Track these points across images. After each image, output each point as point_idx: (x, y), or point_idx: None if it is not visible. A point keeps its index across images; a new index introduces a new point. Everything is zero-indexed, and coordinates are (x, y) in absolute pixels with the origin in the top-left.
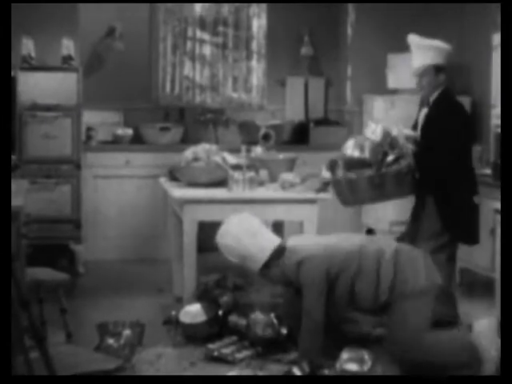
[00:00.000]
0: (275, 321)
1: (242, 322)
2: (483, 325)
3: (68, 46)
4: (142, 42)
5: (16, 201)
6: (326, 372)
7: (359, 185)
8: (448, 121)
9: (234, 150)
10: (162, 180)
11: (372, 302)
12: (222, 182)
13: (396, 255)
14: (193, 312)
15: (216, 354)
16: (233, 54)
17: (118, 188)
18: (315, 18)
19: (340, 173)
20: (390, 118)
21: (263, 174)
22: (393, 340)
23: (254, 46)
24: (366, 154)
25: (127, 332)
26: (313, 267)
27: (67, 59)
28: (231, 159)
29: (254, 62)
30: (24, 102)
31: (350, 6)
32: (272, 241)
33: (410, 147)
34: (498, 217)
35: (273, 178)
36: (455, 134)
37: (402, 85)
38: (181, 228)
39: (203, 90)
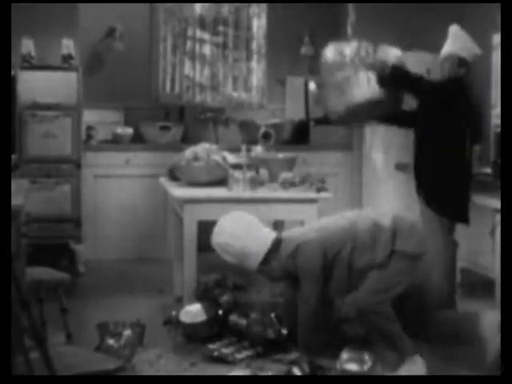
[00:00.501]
0: (275, 321)
1: (242, 321)
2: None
3: (68, 46)
4: (142, 42)
5: (16, 200)
6: (326, 372)
7: None
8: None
9: (234, 150)
10: (162, 179)
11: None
12: (222, 182)
13: (395, 223)
14: (193, 312)
15: (216, 354)
16: (233, 54)
17: (118, 187)
18: (315, 18)
19: None
20: None
21: (263, 173)
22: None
23: (254, 45)
24: None
25: (127, 332)
26: (309, 252)
27: (67, 58)
28: (231, 158)
29: (253, 62)
30: (24, 102)
31: (350, 6)
32: (268, 235)
33: None
34: (498, 216)
35: (273, 178)
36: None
37: None
38: (181, 227)
39: (203, 89)
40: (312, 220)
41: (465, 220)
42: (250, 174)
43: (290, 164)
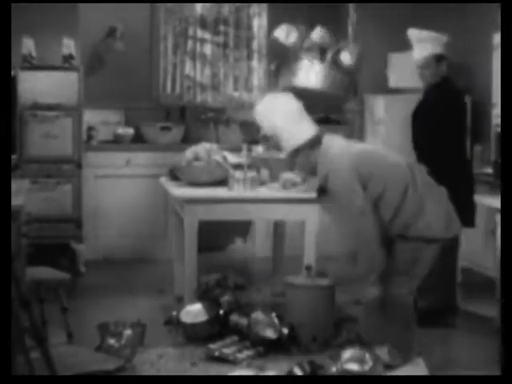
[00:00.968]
0: (276, 320)
1: (243, 321)
2: None
3: (69, 46)
4: (143, 42)
5: (17, 200)
6: (327, 372)
7: None
8: (441, 108)
9: (235, 150)
10: (163, 179)
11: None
12: (222, 182)
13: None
14: (194, 312)
15: (217, 354)
16: (234, 54)
17: (118, 187)
18: (316, 18)
19: None
20: (391, 117)
21: (264, 173)
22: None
23: (255, 45)
24: None
25: (128, 332)
26: (343, 168)
27: (68, 58)
28: (232, 158)
29: (254, 62)
30: (25, 102)
31: (351, 6)
32: (312, 128)
33: None
34: (499, 216)
35: (274, 178)
36: (447, 122)
37: (403, 84)
38: (182, 227)
39: (204, 89)
40: (313, 220)
41: (471, 225)
42: (250, 174)
43: (290, 164)
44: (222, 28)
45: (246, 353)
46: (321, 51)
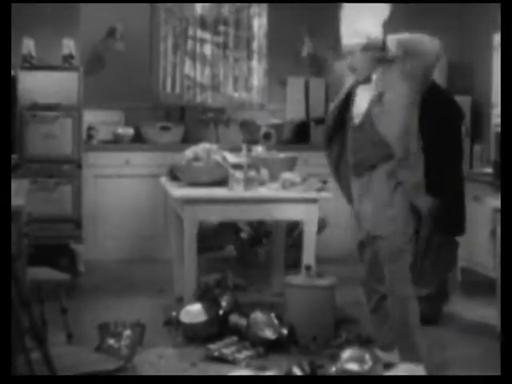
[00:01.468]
0: (276, 321)
1: (243, 321)
2: None
3: (69, 46)
4: (143, 42)
5: (17, 200)
6: (327, 372)
7: None
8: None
9: (235, 150)
10: (163, 179)
11: None
12: (222, 182)
13: None
14: (193, 312)
15: (216, 354)
16: (233, 54)
17: (118, 187)
18: (316, 18)
19: None
20: None
21: (264, 173)
22: None
23: (255, 45)
24: None
25: (128, 332)
26: None
27: (68, 58)
28: (232, 158)
29: (254, 62)
30: (25, 102)
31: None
32: None
33: None
34: (499, 216)
35: (273, 178)
36: None
37: None
38: (181, 227)
39: (204, 89)
40: (312, 219)
41: (461, 233)
42: (250, 174)
43: (290, 164)
44: (221, 28)
45: (246, 353)
46: None
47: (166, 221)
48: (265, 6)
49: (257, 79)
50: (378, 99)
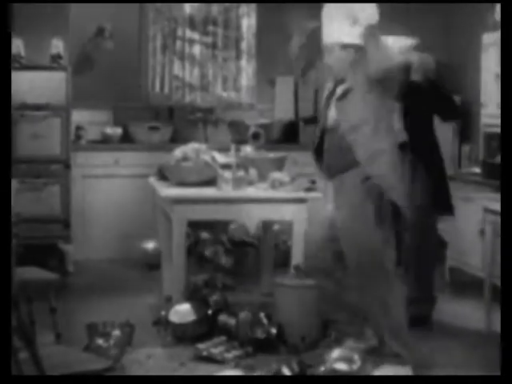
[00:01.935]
0: (265, 320)
1: (232, 321)
2: None
3: (57, 46)
4: (132, 42)
5: None
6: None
7: None
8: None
9: (224, 149)
10: (152, 179)
11: None
12: (211, 182)
13: None
14: (182, 312)
15: (205, 353)
16: (222, 54)
17: (107, 187)
18: (305, 18)
19: None
20: None
21: (253, 173)
22: None
23: (244, 45)
24: None
25: (116, 332)
26: None
27: (56, 58)
28: (221, 158)
29: (243, 62)
30: (13, 102)
31: None
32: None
33: None
34: (488, 216)
35: (262, 178)
36: None
37: None
38: (170, 227)
39: (193, 89)
40: (301, 219)
41: (450, 211)
42: (239, 173)
43: (279, 164)
44: (210, 28)
45: (235, 353)
46: None
47: (154, 221)
48: (253, 5)
49: (246, 79)
50: (342, 98)
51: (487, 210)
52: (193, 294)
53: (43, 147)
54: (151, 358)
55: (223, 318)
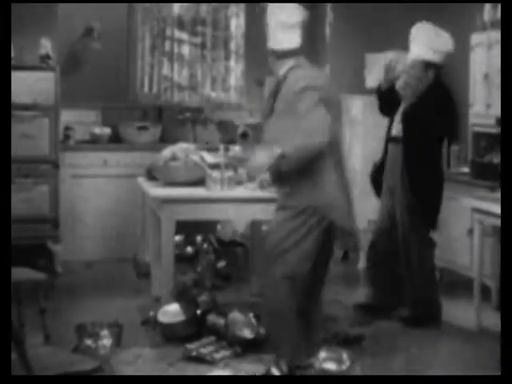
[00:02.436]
0: (254, 320)
1: (221, 321)
2: None
3: (46, 46)
4: (120, 42)
5: None
6: (304, 372)
7: None
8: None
9: (213, 149)
10: (140, 179)
11: None
12: (200, 181)
13: None
14: (171, 312)
15: (194, 354)
16: (211, 54)
17: (96, 187)
18: None
19: None
20: (368, 117)
21: (241, 173)
22: None
23: (233, 45)
24: None
25: (105, 333)
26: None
27: (45, 58)
28: (209, 158)
29: (232, 62)
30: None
31: (328, 6)
32: (298, 42)
33: None
34: (476, 215)
35: (251, 177)
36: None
37: None
38: (159, 227)
39: (182, 89)
40: None
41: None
42: (228, 173)
43: None
44: (199, 28)
45: (224, 353)
46: None
47: (143, 221)
48: (242, 6)
49: (234, 79)
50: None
51: (476, 210)
52: (182, 294)
53: (32, 147)
54: (140, 358)
55: (212, 318)
